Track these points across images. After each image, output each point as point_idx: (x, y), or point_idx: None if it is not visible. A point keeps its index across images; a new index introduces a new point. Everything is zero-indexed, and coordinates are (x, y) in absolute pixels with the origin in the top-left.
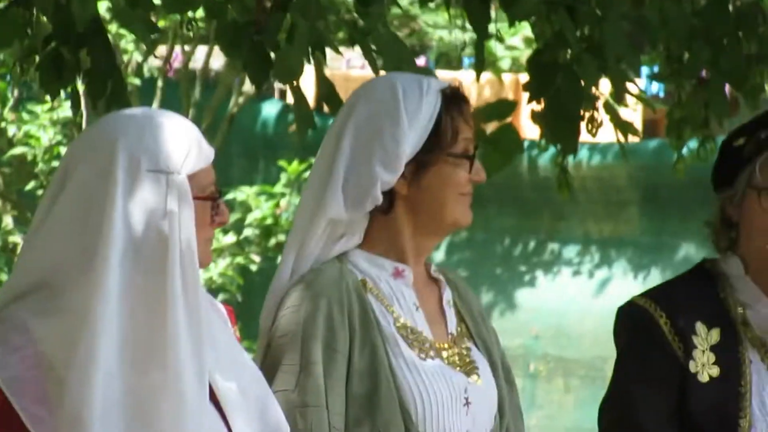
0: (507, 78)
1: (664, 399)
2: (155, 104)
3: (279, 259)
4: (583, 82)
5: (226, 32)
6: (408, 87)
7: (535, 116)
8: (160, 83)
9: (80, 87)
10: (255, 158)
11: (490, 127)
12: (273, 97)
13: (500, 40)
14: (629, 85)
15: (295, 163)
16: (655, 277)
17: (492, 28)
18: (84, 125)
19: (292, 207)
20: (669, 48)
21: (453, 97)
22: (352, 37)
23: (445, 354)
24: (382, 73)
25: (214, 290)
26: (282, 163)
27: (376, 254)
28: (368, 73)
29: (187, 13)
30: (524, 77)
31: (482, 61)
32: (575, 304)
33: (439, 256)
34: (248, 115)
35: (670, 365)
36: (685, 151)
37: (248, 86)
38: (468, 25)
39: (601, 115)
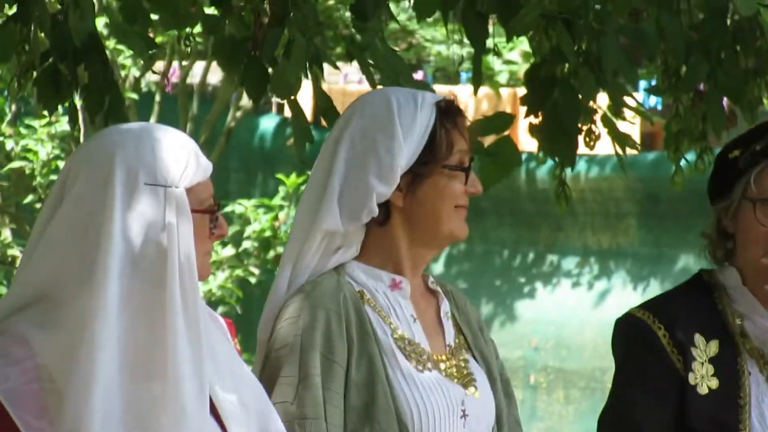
0: (505, 92)
1: (663, 411)
2: (153, 119)
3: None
4: (580, 96)
5: (223, 48)
6: (403, 100)
7: (533, 129)
8: (157, 98)
9: (78, 102)
10: (253, 172)
11: (488, 141)
12: (271, 112)
13: (498, 54)
14: (627, 99)
15: (293, 176)
16: (655, 288)
17: (489, 42)
18: (82, 139)
19: (290, 219)
20: (666, 62)
21: (447, 110)
22: (349, 52)
23: (442, 366)
24: (380, 87)
25: (213, 303)
26: (280, 176)
27: (373, 266)
28: (366, 87)
29: (185, 28)
30: (522, 91)
31: (480, 76)
32: (575, 315)
33: (438, 267)
34: (246, 129)
35: (669, 377)
36: (683, 163)
37: (246, 101)
38: (465, 40)
39: (599, 128)
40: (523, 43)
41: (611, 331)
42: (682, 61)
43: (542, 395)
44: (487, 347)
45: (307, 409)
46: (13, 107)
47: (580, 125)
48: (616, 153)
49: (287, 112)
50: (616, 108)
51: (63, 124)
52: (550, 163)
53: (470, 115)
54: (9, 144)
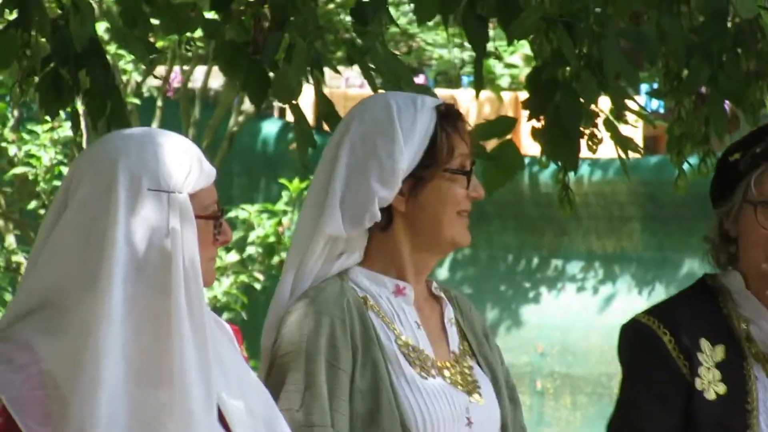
0: (506, 96)
1: (669, 416)
2: (155, 124)
3: None
4: (582, 100)
5: (224, 52)
6: (402, 104)
7: (535, 133)
8: (159, 103)
9: (80, 107)
10: (256, 177)
11: (491, 145)
12: (273, 116)
13: (499, 58)
14: (629, 102)
15: (296, 181)
16: (660, 292)
17: (491, 46)
18: (84, 145)
19: (294, 225)
20: (668, 65)
21: (447, 114)
22: (350, 56)
23: (447, 373)
24: (381, 91)
25: (218, 309)
26: (283, 181)
27: (377, 271)
28: (367, 91)
29: (185, 33)
30: (524, 94)
31: (481, 79)
32: (580, 320)
33: (442, 273)
34: (248, 133)
35: (675, 382)
36: (686, 166)
37: (248, 105)
38: (466, 44)
39: (602, 131)
40: (524, 47)
41: (617, 335)
42: (683, 64)
43: (549, 401)
44: (492, 353)
45: (314, 417)
46: (16, 112)
47: (582, 129)
48: (619, 157)
49: (289, 117)
50: (618, 111)
51: (66, 130)
52: (553, 167)
53: (472, 119)
54: (12, 149)
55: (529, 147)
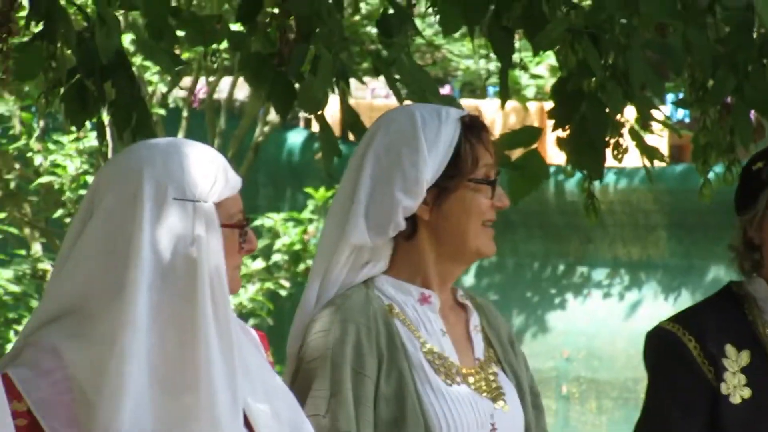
0: (532, 106)
1: (696, 422)
2: (181, 134)
3: None
4: (608, 110)
5: (249, 64)
6: (427, 115)
7: (561, 143)
8: (185, 114)
9: (105, 117)
10: (281, 186)
11: (516, 154)
12: (298, 126)
13: (525, 68)
14: (654, 112)
15: (321, 190)
16: (686, 299)
17: (516, 57)
18: (110, 155)
19: (319, 233)
20: (693, 75)
21: (472, 125)
22: (376, 67)
23: (471, 380)
24: (407, 102)
25: (244, 315)
26: (309, 190)
27: (402, 280)
28: (393, 102)
29: (211, 45)
30: (549, 105)
31: (507, 90)
32: (606, 326)
33: (468, 280)
34: (274, 144)
35: (701, 388)
36: (711, 175)
37: (273, 116)
38: (492, 55)
39: (627, 141)
40: (549, 58)
41: (643, 341)
42: (708, 74)
43: (575, 406)
44: (517, 360)
45: (341, 423)
46: (42, 123)
47: (607, 138)
48: (644, 166)
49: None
50: (644, 121)
51: (91, 140)
52: (578, 175)
53: (498, 129)
54: (38, 159)
55: (555, 156)
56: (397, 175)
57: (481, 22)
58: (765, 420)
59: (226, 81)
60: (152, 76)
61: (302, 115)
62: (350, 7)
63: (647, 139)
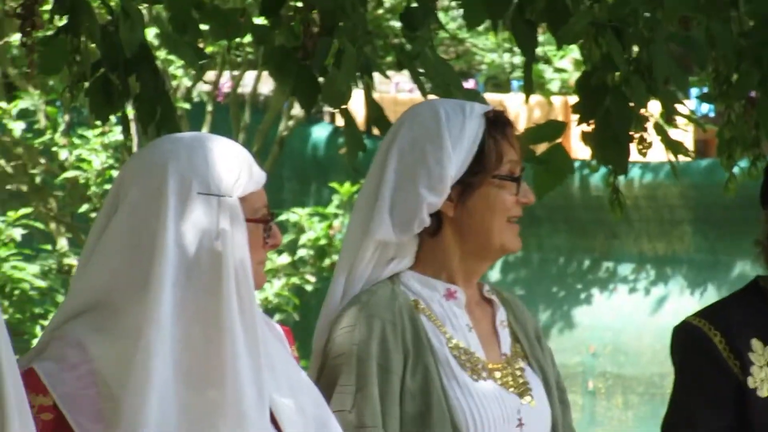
0: (556, 100)
1: (722, 416)
2: (205, 128)
3: None
4: (632, 104)
5: (273, 58)
6: (451, 111)
7: (585, 137)
8: (209, 108)
9: (130, 112)
10: (306, 181)
11: (541, 149)
12: (323, 121)
13: (548, 62)
14: (679, 106)
15: (347, 185)
16: (712, 294)
17: (540, 50)
18: (134, 149)
19: (345, 228)
20: (717, 69)
21: (496, 121)
22: (399, 61)
23: (498, 375)
24: (431, 96)
25: (270, 310)
26: (334, 184)
27: (428, 276)
28: (417, 96)
29: (234, 39)
30: (573, 99)
31: (531, 84)
32: (632, 321)
33: (494, 275)
34: (298, 138)
35: (727, 382)
36: (736, 170)
37: (298, 110)
38: (516, 48)
39: (652, 135)
40: (574, 51)
41: (669, 336)
42: (733, 68)
43: (601, 401)
44: (544, 355)
45: (366, 419)
46: (66, 117)
47: (632, 133)
48: (669, 160)
49: (339, 121)
50: (668, 115)
51: (116, 134)
52: (603, 170)
53: (522, 123)
54: (63, 154)
55: (580, 150)
56: (422, 172)
57: (505, 16)
58: None
59: (250, 75)
60: (176, 70)
61: (327, 109)
62: (374, 0)
63: (672, 134)
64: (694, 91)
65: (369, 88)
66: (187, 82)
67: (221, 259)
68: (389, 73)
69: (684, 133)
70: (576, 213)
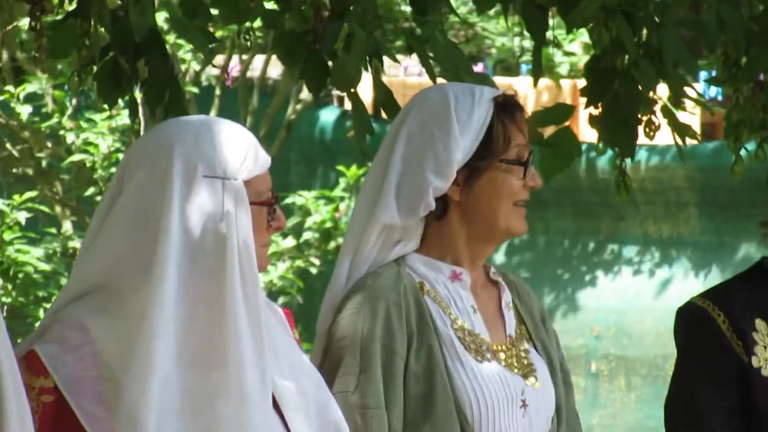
0: (565, 83)
1: (726, 397)
2: (213, 112)
3: None
4: (640, 87)
5: (283, 42)
6: (460, 95)
7: (593, 120)
8: (218, 92)
9: (138, 96)
10: (313, 164)
11: (548, 132)
12: (331, 104)
13: (558, 46)
14: (687, 90)
15: (353, 168)
16: (716, 277)
17: (549, 34)
18: (142, 133)
19: (351, 211)
20: (727, 53)
21: (505, 105)
22: (409, 45)
23: (502, 356)
24: (440, 80)
25: (274, 293)
26: (341, 168)
27: (433, 258)
28: (426, 80)
29: (244, 23)
30: (582, 82)
31: (540, 67)
32: (636, 303)
33: (499, 258)
34: (306, 121)
35: (730, 363)
36: (743, 152)
37: (306, 94)
38: (526, 32)
39: (659, 118)
40: (583, 35)
41: (673, 318)
42: (742, 52)
43: (604, 383)
44: (549, 338)
45: (369, 399)
46: (74, 101)
47: (640, 116)
48: (676, 143)
49: (347, 105)
50: (677, 99)
51: (123, 118)
52: (610, 153)
53: (531, 106)
54: (70, 137)
55: (587, 133)
56: (429, 156)
57: (515, 0)
58: None
59: (259, 59)
60: (185, 54)
61: (335, 93)
62: None
63: (679, 117)
64: (703, 75)
65: (378, 72)
66: (195, 66)
67: (225, 241)
68: (398, 56)
69: (691, 116)
70: (582, 196)
